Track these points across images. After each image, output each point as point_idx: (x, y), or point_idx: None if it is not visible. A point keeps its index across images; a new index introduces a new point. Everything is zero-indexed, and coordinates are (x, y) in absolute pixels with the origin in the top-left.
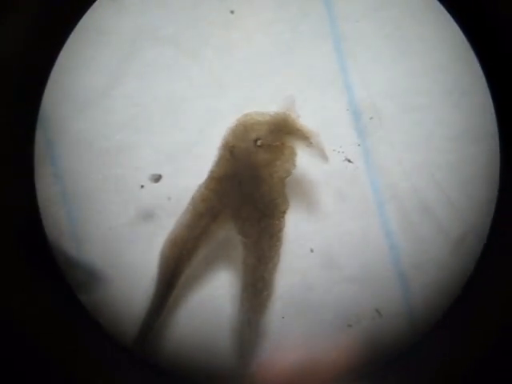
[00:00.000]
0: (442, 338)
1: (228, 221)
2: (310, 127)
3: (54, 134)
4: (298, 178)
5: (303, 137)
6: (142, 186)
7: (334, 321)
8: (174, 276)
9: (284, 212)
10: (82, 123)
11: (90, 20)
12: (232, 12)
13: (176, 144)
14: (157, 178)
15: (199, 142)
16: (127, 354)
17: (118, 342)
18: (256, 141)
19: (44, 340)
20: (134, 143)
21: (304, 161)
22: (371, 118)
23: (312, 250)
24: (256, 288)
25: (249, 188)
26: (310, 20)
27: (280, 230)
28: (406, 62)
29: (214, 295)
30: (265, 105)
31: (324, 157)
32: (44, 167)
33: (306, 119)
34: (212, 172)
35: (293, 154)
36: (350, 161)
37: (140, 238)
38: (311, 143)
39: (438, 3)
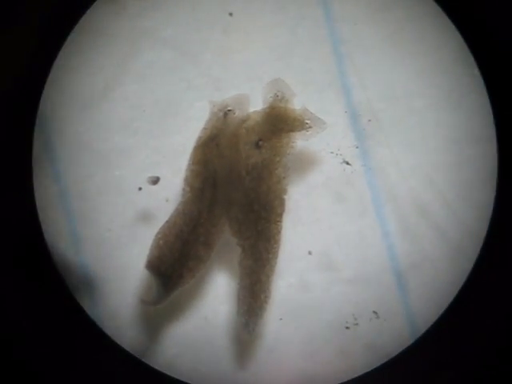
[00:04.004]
0: (440, 339)
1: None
2: (297, 109)
3: (52, 135)
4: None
5: (301, 125)
6: (140, 188)
7: (332, 322)
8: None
9: (280, 215)
10: (81, 125)
11: (88, 21)
12: (230, 14)
13: (174, 146)
14: (155, 180)
15: None
16: (126, 356)
17: (116, 343)
18: (257, 142)
19: (42, 342)
20: (132, 145)
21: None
22: (369, 121)
23: (310, 253)
24: (253, 290)
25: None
26: (308, 22)
27: (277, 232)
28: (404, 64)
29: (211, 297)
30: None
31: (322, 123)
32: (42, 168)
33: None
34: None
35: (290, 140)
36: (347, 163)
37: (138, 240)
38: (307, 124)
39: (436, 5)
